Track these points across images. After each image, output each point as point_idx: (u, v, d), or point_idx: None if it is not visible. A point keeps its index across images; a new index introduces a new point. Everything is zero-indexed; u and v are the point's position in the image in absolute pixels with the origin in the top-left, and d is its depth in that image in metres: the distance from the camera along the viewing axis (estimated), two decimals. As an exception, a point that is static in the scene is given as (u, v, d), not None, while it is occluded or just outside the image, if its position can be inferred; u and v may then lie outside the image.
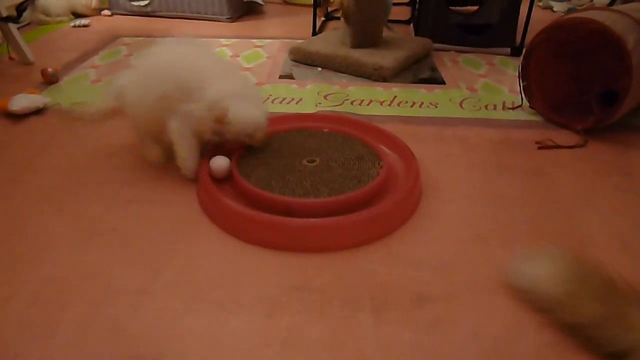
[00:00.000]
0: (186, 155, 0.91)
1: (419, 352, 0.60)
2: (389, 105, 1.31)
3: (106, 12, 2.25)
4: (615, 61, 1.07)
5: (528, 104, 1.27)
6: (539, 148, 1.10)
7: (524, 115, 1.26)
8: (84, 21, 2.08)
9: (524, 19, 1.68)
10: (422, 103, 1.32)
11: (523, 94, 1.26)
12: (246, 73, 1.53)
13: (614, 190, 0.95)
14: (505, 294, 0.69)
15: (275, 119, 1.11)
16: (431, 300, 0.68)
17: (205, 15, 2.16)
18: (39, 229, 0.82)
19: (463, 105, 1.32)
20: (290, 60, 1.66)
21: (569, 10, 2.35)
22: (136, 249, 0.77)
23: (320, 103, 1.31)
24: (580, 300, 0.60)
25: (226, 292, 0.69)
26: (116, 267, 0.73)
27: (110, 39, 1.88)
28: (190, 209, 0.87)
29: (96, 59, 1.64)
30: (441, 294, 0.69)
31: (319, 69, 1.58)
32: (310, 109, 1.27)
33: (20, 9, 1.54)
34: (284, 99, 1.34)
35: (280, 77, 1.51)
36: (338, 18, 1.99)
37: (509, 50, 1.73)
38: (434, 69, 1.59)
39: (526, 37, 1.68)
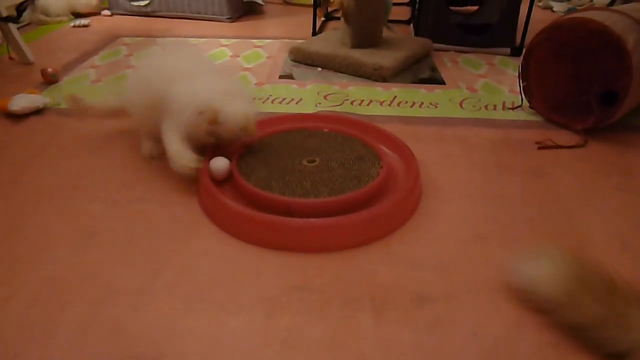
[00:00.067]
0: (182, 156, 0.89)
1: (419, 352, 0.60)
2: (389, 105, 1.31)
3: (106, 12, 2.25)
4: (615, 61, 1.07)
5: (528, 104, 1.27)
6: (539, 148, 1.10)
7: (524, 115, 1.26)
8: (83, 21, 2.08)
9: (524, 19, 1.68)
10: (422, 103, 1.32)
11: (523, 94, 1.26)
12: (244, 73, 1.53)
13: (614, 190, 0.95)
14: (505, 294, 0.69)
15: (275, 119, 1.11)
16: (431, 300, 0.68)
17: (205, 15, 2.16)
18: (39, 229, 0.82)
19: (463, 105, 1.32)
20: (290, 60, 1.66)
21: (569, 11, 2.35)
22: (136, 249, 0.77)
23: (320, 103, 1.31)
24: (580, 301, 0.60)
25: (226, 292, 0.69)
26: (116, 267, 0.73)
27: (110, 39, 1.88)
28: (190, 209, 0.87)
29: (96, 59, 1.64)
30: (441, 294, 0.69)
31: (319, 69, 1.58)
32: (310, 109, 1.27)
33: (20, 9, 1.54)
34: (284, 99, 1.34)
35: (280, 77, 1.51)
36: (338, 18, 1.99)
37: (509, 50, 1.73)
38: (434, 69, 1.59)
39: (526, 37, 1.68)
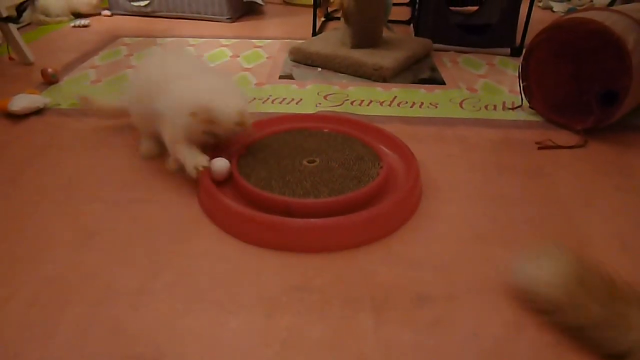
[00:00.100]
0: (187, 159, 0.89)
1: (419, 352, 0.60)
2: (389, 105, 1.31)
3: (106, 12, 2.25)
4: (615, 61, 1.08)
5: (528, 104, 1.27)
6: (539, 148, 1.10)
7: (524, 115, 1.26)
8: (83, 21, 2.08)
9: (524, 19, 1.68)
10: (422, 103, 1.32)
11: (523, 94, 1.26)
12: (244, 73, 1.53)
13: (614, 190, 0.95)
14: (505, 294, 0.69)
15: (275, 119, 1.11)
16: (431, 300, 0.68)
17: (205, 16, 2.16)
18: (39, 229, 0.82)
19: (463, 105, 1.32)
20: (290, 60, 1.66)
21: (569, 11, 2.35)
22: (136, 249, 0.77)
23: (320, 103, 1.31)
24: (581, 301, 0.60)
25: (226, 292, 0.69)
26: (116, 267, 0.73)
27: (110, 39, 1.88)
28: (190, 209, 0.87)
29: (96, 59, 1.64)
30: (441, 294, 0.69)
31: (319, 69, 1.58)
32: (310, 109, 1.27)
33: (20, 9, 1.54)
34: (284, 99, 1.34)
35: (280, 77, 1.51)
36: (338, 18, 1.99)
37: (508, 50, 1.73)
38: (434, 69, 1.59)
39: (526, 38, 1.68)
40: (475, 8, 2.00)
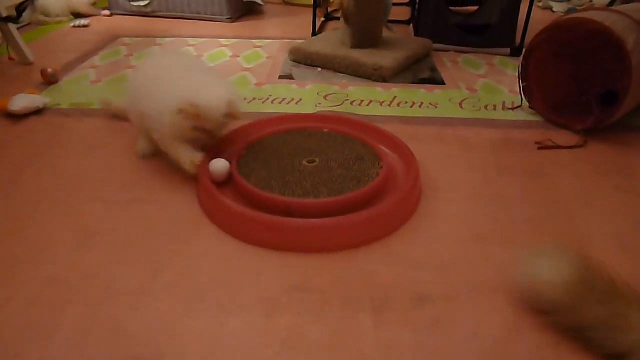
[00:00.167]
0: (182, 156, 0.91)
1: (419, 352, 0.60)
2: (389, 105, 1.31)
3: (106, 12, 2.25)
4: (615, 62, 1.08)
5: (528, 104, 1.27)
6: (539, 148, 1.10)
7: (524, 115, 1.26)
8: (83, 21, 2.08)
9: (524, 20, 1.68)
10: (422, 103, 1.32)
11: (523, 95, 1.26)
12: (244, 73, 1.53)
13: (614, 190, 0.95)
14: (505, 294, 0.69)
15: (275, 119, 1.11)
16: (431, 301, 0.68)
17: (205, 16, 2.16)
18: (39, 229, 0.82)
19: (463, 105, 1.32)
20: (290, 60, 1.66)
21: (569, 11, 2.35)
22: (136, 249, 0.77)
23: (320, 103, 1.31)
24: (582, 302, 0.60)
25: (226, 292, 0.69)
26: (116, 267, 0.73)
27: (110, 39, 1.88)
28: (190, 209, 0.87)
29: (96, 60, 1.64)
30: (441, 294, 0.69)
31: (319, 69, 1.58)
32: (310, 110, 1.27)
33: (20, 9, 1.54)
34: (283, 99, 1.34)
35: (280, 77, 1.51)
36: (338, 18, 1.99)
37: (508, 50, 1.73)
38: (433, 70, 1.59)
39: (526, 38, 1.69)
40: (475, 8, 2.00)
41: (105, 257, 0.75)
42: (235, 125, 1.03)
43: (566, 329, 0.62)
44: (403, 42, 1.68)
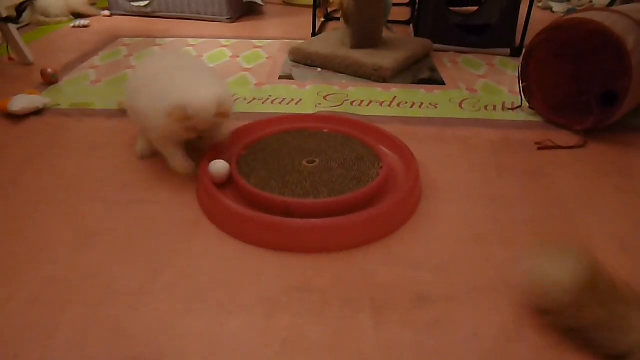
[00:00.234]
0: (172, 157, 0.92)
1: (419, 352, 0.60)
2: (389, 105, 1.31)
3: (106, 12, 2.25)
4: (615, 62, 1.08)
5: (528, 104, 1.27)
6: (539, 149, 1.10)
7: (524, 115, 1.26)
8: (83, 22, 2.08)
9: (524, 20, 1.68)
10: (422, 104, 1.32)
11: (523, 95, 1.26)
12: (244, 73, 1.53)
13: (614, 190, 0.95)
14: (505, 294, 0.69)
15: (275, 119, 1.11)
16: (431, 301, 0.68)
17: (205, 16, 2.16)
18: (39, 229, 0.82)
19: (463, 105, 1.32)
20: (290, 60, 1.66)
21: (569, 11, 2.35)
22: (136, 249, 0.77)
23: (320, 104, 1.31)
24: (584, 303, 0.60)
25: (226, 292, 0.69)
26: (116, 267, 0.73)
27: (110, 39, 1.88)
28: (190, 209, 0.87)
29: (96, 60, 1.64)
30: (441, 294, 0.69)
31: (319, 69, 1.58)
32: (310, 110, 1.27)
33: (19, 9, 1.54)
34: (283, 99, 1.34)
35: (280, 77, 1.51)
36: (338, 19, 1.99)
37: (508, 50, 1.74)
38: (433, 70, 1.59)
39: (526, 38, 1.69)
40: (475, 8, 2.00)
41: (105, 257, 0.75)
42: (235, 125, 1.03)
43: (566, 329, 0.62)
44: (403, 42, 1.68)
